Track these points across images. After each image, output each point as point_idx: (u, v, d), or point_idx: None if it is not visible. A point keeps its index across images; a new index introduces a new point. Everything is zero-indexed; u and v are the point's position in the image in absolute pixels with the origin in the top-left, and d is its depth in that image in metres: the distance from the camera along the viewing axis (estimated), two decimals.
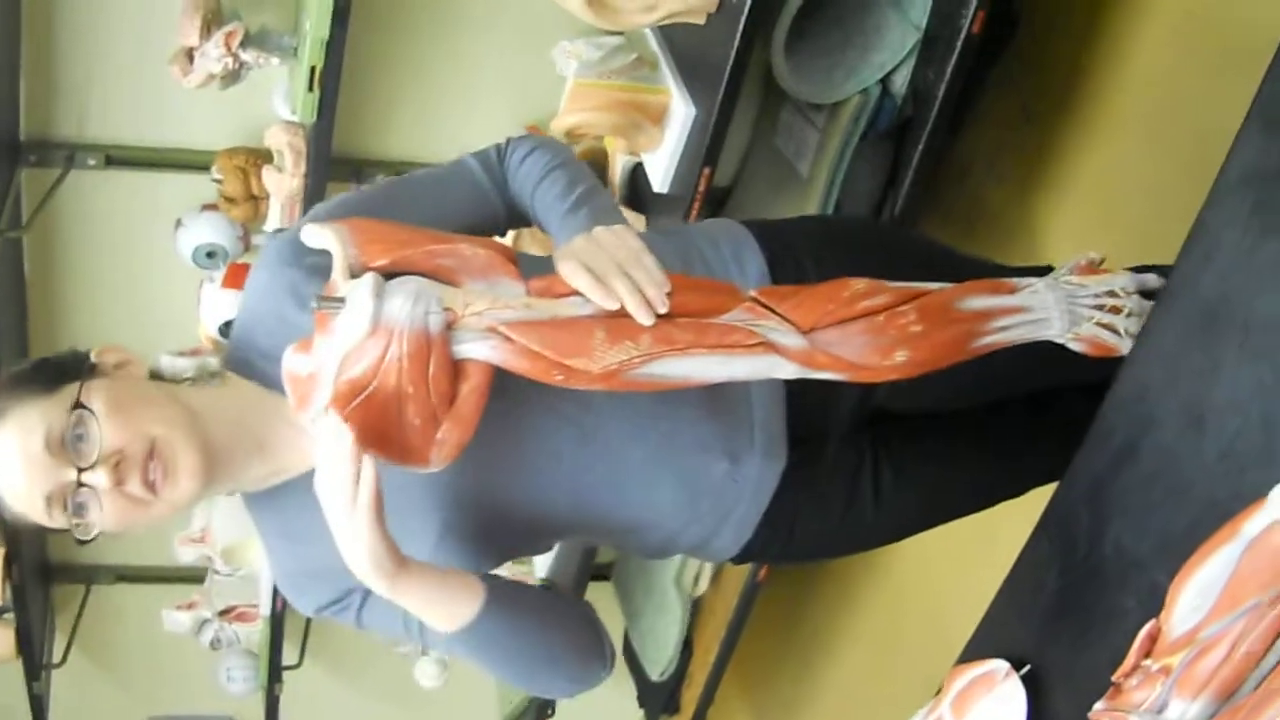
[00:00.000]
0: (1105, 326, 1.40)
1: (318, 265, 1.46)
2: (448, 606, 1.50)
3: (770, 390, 1.67)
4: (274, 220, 2.94)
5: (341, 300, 1.31)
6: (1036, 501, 1.73)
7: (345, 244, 1.35)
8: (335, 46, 2.52)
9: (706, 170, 2.55)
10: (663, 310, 1.35)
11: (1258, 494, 1.02)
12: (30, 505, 1.44)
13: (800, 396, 1.67)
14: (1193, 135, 2.49)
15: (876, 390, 1.68)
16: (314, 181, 2.80)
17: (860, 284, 1.41)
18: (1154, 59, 2.63)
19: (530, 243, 2.81)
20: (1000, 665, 1.28)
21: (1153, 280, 1.44)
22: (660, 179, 2.67)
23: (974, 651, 1.37)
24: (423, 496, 1.53)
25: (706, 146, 2.53)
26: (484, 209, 1.61)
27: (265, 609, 3.67)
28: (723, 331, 1.35)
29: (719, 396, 1.62)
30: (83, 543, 1.46)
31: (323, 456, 1.33)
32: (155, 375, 1.55)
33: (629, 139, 2.66)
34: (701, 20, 2.49)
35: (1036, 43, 2.89)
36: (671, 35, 2.72)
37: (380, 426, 1.31)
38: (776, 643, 4.21)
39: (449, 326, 1.31)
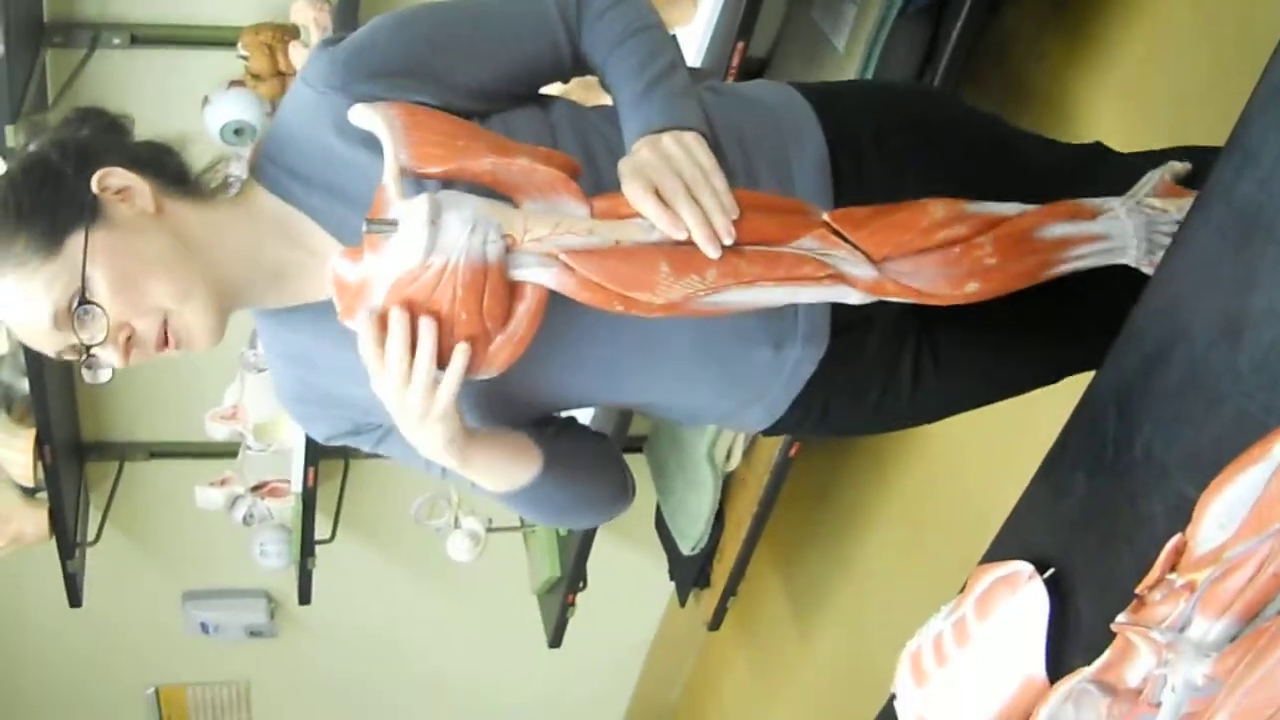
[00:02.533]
0: None
1: (371, 97, 1.42)
2: (506, 474, 1.55)
3: None
4: None
5: (394, 223, 1.29)
6: (1069, 387, 1.74)
7: (398, 143, 1.33)
8: None
9: (741, 44, 2.55)
10: (729, 242, 1.34)
11: None
12: (40, 348, 1.47)
13: None
14: (1241, 22, 2.44)
15: None
16: None
17: (939, 211, 1.39)
18: None
19: (580, 91, 2.78)
20: (1024, 567, 1.28)
21: None
22: (694, 53, 2.65)
23: (998, 551, 1.36)
24: None
25: (741, 19, 2.51)
26: (552, 54, 1.55)
27: (297, 485, 3.70)
28: (793, 263, 1.35)
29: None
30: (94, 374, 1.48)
31: (377, 358, 1.34)
32: (166, 188, 1.49)
33: (662, 11, 2.58)
34: None
35: None
36: None
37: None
38: (808, 519, 4.24)
39: (510, 249, 1.30)
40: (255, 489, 3.84)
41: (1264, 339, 1.05)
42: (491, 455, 1.51)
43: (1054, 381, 1.84)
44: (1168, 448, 1.15)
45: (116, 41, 3.00)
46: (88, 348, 1.42)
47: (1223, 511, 1.02)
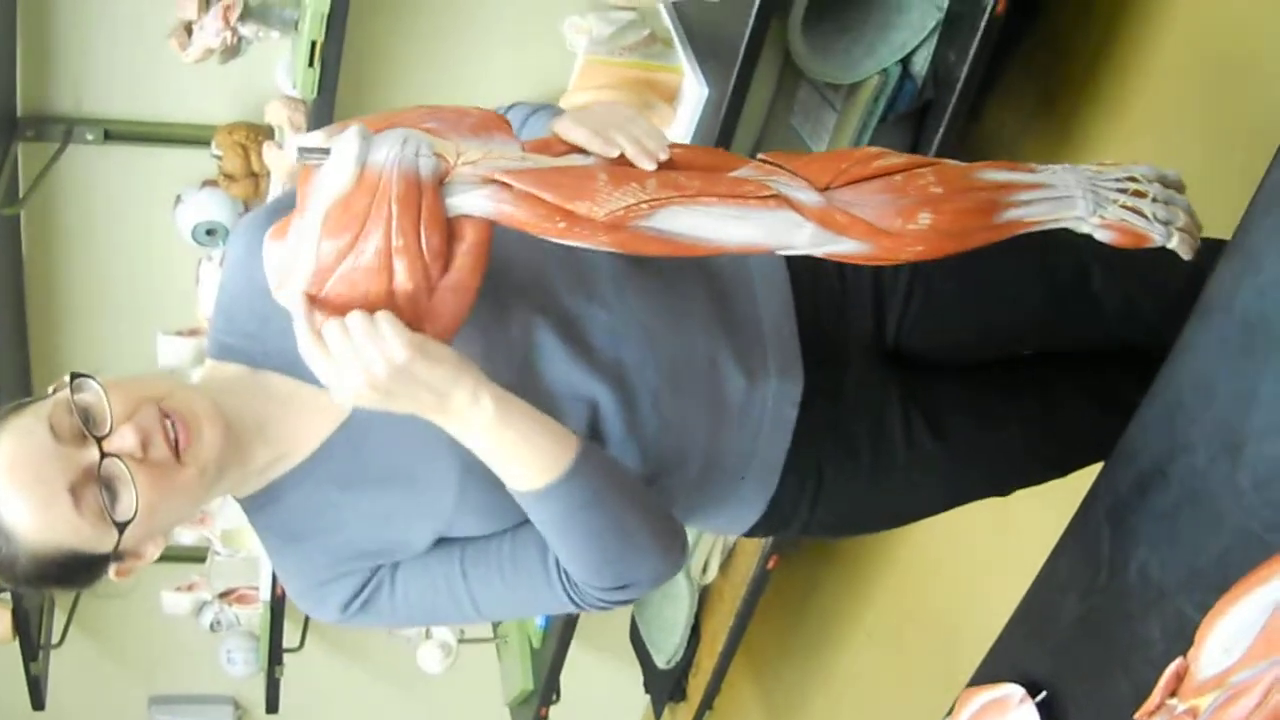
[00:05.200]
0: (1131, 210, 1.37)
1: None
2: (545, 449, 1.39)
3: (779, 305, 1.65)
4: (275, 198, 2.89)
5: (325, 150, 1.25)
6: (1049, 489, 1.75)
7: (331, 130, 1.29)
8: (336, 20, 2.47)
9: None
10: (665, 157, 1.32)
11: None
12: (54, 512, 1.34)
13: (811, 311, 1.66)
14: (1235, 118, 2.43)
15: (889, 316, 1.70)
16: None
17: (871, 148, 1.38)
18: (1184, 48, 2.57)
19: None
20: (1015, 690, 1.25)
21: (1172, 174, 1.42)
22: None
23: (987, 672, 1.33)
24: (431, 438, 1.39)
25: (720, 127, 2.48)
26: None
27: (266, 592, 3.66)
28: (734, 182, 1.31)
29: (727, 312, 1.61)
30: (121, 529, 1.37)
31: (320, 353, 1.27)
32: None
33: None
34: None
35: (1062, 25, 2.84)
36: (685, 11, 2.68)
37: (368, 298, 1.25)
38: (785, 632, 4.19)
39: (441, 180, 1.25)
40: (223, 595, 3.79)
41: (1267, 454, 1.01)
42: (526, 412, 1.37)
43: (1059, 473, 1.80)
44: (1166, 568, 1.11)
45: (90, 137, 2.98)
46: (100, 442, 1.35)
47: (1227, 635, 0.98)
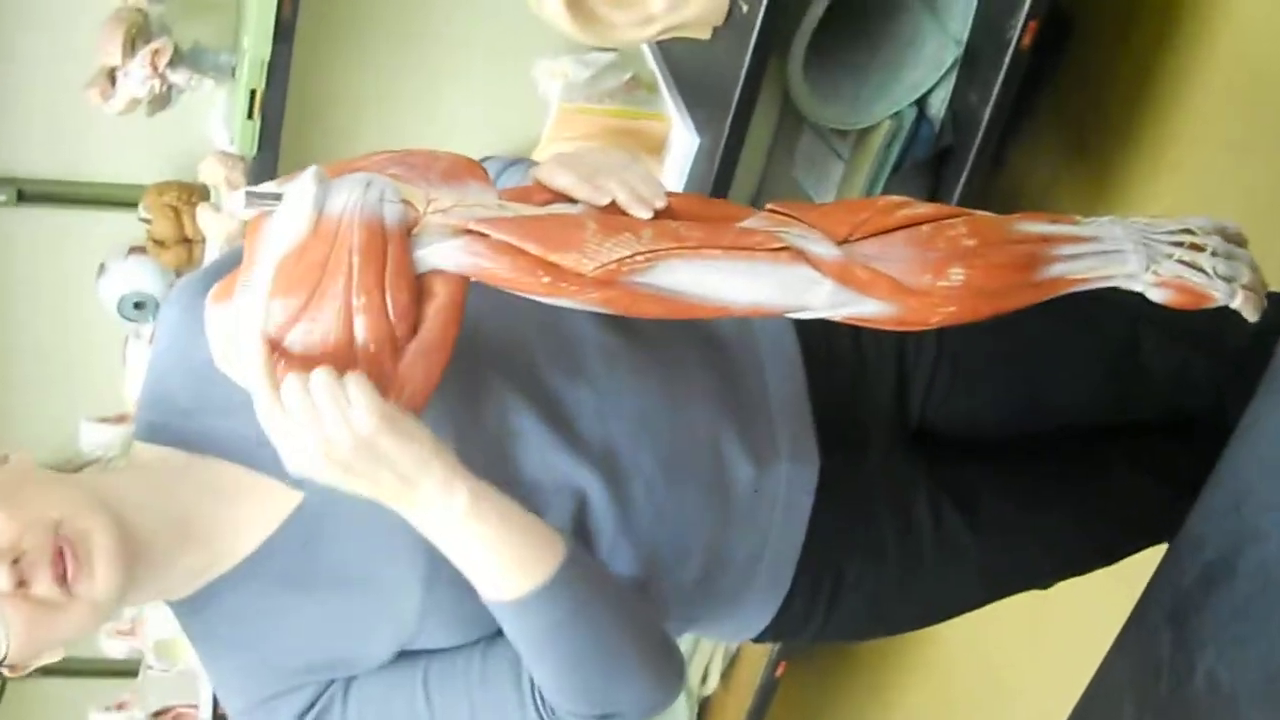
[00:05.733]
0: (1189, 266, 1.36)
1: None
2: (524, 551, 1.36)
3: (790, 377, 1.66)
4: None
5: (276, 196, 1.23)
6: (1092, 576, 1.74)
7: (282, 180, 1.28)
8: (279, 67, 2.49)
9: None
10: (660, 204, 1.32)
11: None
12: None
13: (825, 384, 1.66)
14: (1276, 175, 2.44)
15: (914, 389, 1.70)
16: None
17: (894, 197, 1.37)
18: (1232, 81, 2.58)
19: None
20: None
21: (1231, 225, 1.41)
22: None
23: None
24: (394, 533, 1.37)
25: (714, 181, 2.48)
26: None
27: (206, 711, 3.61)
28: (741, 234, 1.30)
29: (730, 387, 1.61)
30: None
31: (275, 411, 1.23)
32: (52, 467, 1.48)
33: None
34: (707, 35, 2.44)
35: (1095, 60, 2.85)
36: (672, 52, 2.68)
37: (325, 364, 1.22)
38: None
39: (409, 230, 1.24)
40: (157, 715, 3.74)
41: None
42: (505, 506, 1.35)
43: (1106, 562, 1.79)
44: (1237, 674, 1.10)
45: (1, 198, 2.99)
46: None
47: None
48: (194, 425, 1.48)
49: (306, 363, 1.22)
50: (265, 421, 1.24)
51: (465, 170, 1.32)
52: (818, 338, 1.67)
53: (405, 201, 1.24)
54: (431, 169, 1.31)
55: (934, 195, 2.65)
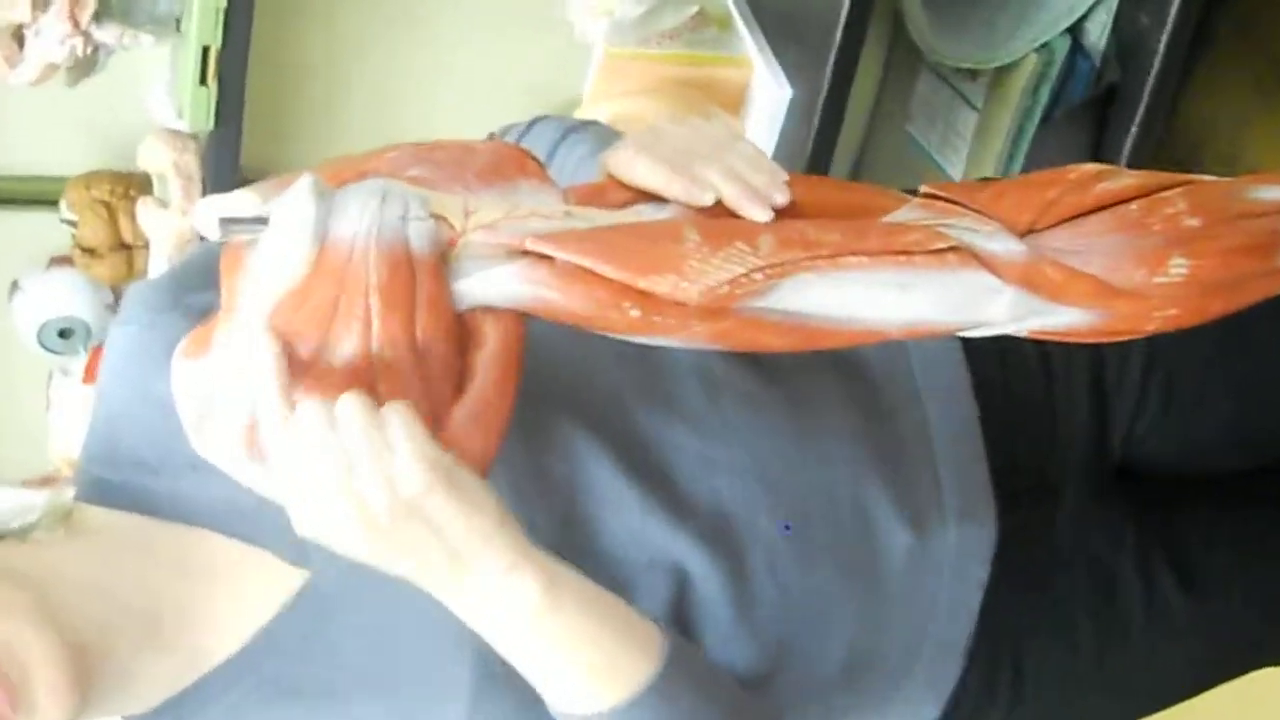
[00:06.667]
0: None
1: (213, 306, 1.33)
2: (612, 652, 1.31)
3: (957, 418, 1.61)
4: None
5: (263, 218, 1.17)
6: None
7: (265, 190, 1.20)
8: (238, 14, 2.48)
9: None
10: (782, 200, 1.27)
11: None
12: None
13: (1002, 420, 1.62)
14: None
15: (1117, 416, 1.67)
16: None
17: (1089, 166, 1.34)
18: None
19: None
20: None
21: None
22: None
23: None
24: (429, 622, 1.32)
25: (813, 142, 2.51)
26: None
27: None
28: (889, 231, 1.26)
29: (877, 429, 1.56)
30: None
31: (287, 448, 1.16)
32: None
33: None
34: None
35: None
36: None
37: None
38: None
39: (444, 255, 1.18)
40: None
41: None
42: (586, 599, 1.29)
43: None
44: None
45: None
46: None
47: None
48: (159, 484, 1.42)
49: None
50: (270, 454, 1.18)
51: (512, 164, 1.29)
52: (991, 358, 1.62)
53: (436, 216, 1.18)
54: (466, 166, 1.27)
55: (1097, 150, 2.75)
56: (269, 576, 1.41)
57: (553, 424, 1.45)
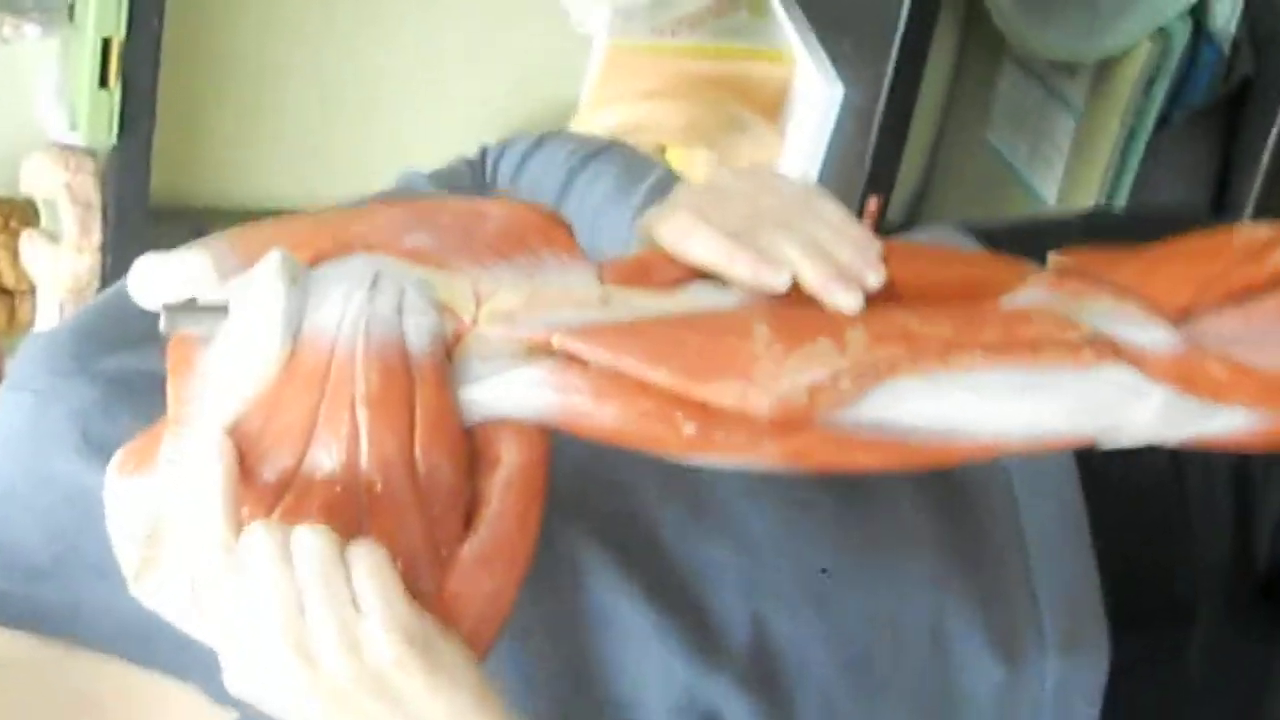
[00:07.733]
0: None
1: (128, 373, 1.37)
2: None
3: (1062, 529, 1.59)
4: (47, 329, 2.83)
5: (220, 307, 1.16)
6: None
7: (219, 255, 1.19)
8: (144, 6, 2.48)
9: (874, 200, 2.54)
10: (876, 282, 1.25)
11: None
12: None
13: (1120, 533, 1.60)
14: None
15: (1261, 525, 1.66)
16: (117, 256, 2.75)
17: (1261, 230, 1.32)
18: None
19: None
20: None
21: None
22: None
23: None
24: None
25: (871, 156, 2.51)
26: None
27: None
28: (1009, 320, 1.25)
29: (965, 547, 1.54)
30: None
31: (228, 582, 1.14)
32: None
33: (718, 146, 2.67)
34: None
35: None
36: None
37: None
38: None
39: (449, 353, 1.17)
40: None
41: None
42: None
43: None
44: None
45: None
46: None
47: None
48: (55, 594, 1.39)
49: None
50: (201, 592, 1.17)
51: (535, 232, 1.27)
52: (1107, 455, 1.56)
53: (442, 305, 1.18)
54: (476, 232, 1.25)
55: (1226, 163, 2.71)
56: (194, 713, 1.40)
57: (564, 543, 1.43)
